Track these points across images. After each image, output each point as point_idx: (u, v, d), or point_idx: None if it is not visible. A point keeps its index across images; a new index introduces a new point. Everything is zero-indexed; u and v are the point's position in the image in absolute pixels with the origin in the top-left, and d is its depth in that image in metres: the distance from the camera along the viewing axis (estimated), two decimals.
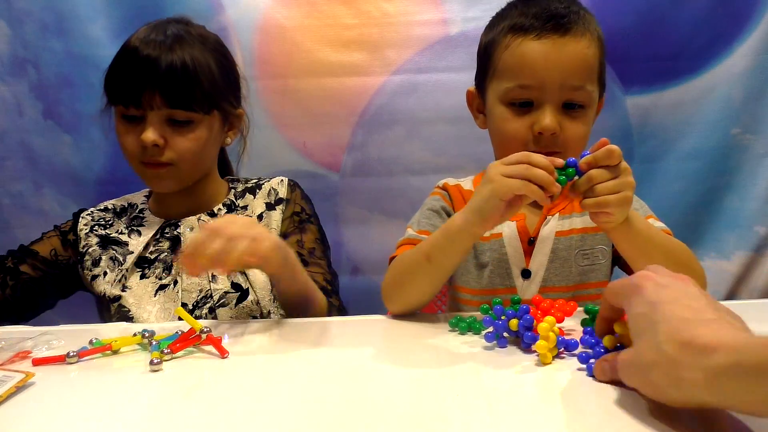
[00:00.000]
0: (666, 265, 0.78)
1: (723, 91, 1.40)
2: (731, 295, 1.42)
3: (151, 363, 0.62)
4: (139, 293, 0.95)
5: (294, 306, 0.88)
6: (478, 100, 0.95)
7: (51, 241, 1.02)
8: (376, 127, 1.45)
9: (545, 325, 0.59)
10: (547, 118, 0.82)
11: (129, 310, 0.94)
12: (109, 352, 0.68)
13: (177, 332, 0.71)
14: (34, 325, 0.82)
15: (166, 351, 0.65)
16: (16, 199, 1.49)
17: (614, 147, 0.68)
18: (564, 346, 0.62)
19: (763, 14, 1.37)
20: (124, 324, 0.88)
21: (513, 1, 0.92)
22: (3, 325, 0.87)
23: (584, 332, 0.64)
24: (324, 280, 0.96)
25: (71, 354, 0.65)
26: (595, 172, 0.68)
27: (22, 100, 1.45)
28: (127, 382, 0.60)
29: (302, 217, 1.04)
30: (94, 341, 0.69)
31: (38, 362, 0.65)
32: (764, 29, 1.37)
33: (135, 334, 0.71)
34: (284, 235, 1.00)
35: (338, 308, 0.95)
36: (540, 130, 0.83)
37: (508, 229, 0.91)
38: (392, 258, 0.88)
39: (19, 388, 0.57)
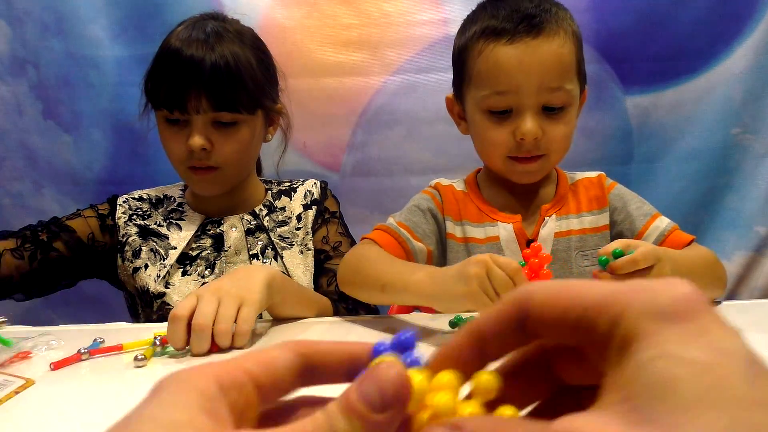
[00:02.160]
0: (707, 281, 0.78)
1: (723, 91, 1.40)
2: (731, 295, 1.42)
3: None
4: (183, 291, 0.95)
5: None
6: (457, 106, 0.94)
7: (89, 222, 0.99)
8: (376, 127, 1.45)
9: None
10: (528, 124, 0.82)
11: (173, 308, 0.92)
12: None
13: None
14: (34, 325, 0.82)
15: (157, 342, 0.67)
16: (16, 199, 1.49)
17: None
18: None
19: (763, 14, 1.37)
20: (124, 324, 0.88)
21: (482, 2, 0.90)
22: (12, 297, 0.87)
23: None
24: None
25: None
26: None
27: (22, 100, 1.45)
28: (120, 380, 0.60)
29: (328, 214, 1.06)
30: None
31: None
32: (764, 29, 1.37)
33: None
34: (312, 231, 1.02)
35: (350, 310, 0.94)
36: (522, 137, 0.82)
37: (504, 231, 0.90)
38: (364, 238, 0.88)
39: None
